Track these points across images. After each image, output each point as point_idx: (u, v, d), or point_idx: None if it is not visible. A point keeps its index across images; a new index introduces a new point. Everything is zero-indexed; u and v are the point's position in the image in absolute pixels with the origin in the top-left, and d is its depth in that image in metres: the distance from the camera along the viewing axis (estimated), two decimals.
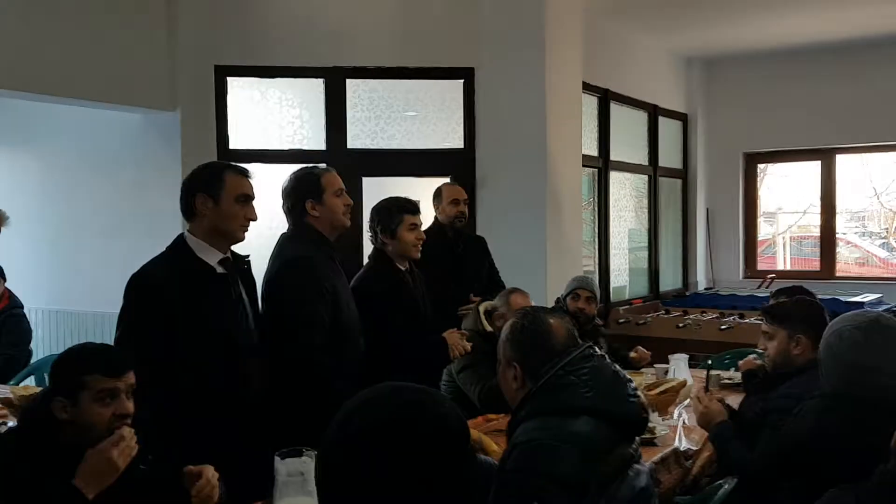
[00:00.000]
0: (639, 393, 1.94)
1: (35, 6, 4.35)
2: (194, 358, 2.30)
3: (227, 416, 2.35)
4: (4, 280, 4.93)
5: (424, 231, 4.20)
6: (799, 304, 2.81)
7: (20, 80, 4.34)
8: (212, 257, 2.39)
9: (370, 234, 3.16)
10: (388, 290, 3.02)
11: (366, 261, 3.31)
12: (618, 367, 1.98)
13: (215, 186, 2.38)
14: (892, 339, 2.09)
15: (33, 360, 5.01)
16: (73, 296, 5.52)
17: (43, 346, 5.55)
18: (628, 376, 1.97)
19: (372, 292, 2.96)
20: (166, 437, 2.14)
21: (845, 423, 2.04)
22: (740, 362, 3.71)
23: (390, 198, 3.19)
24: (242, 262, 2.52)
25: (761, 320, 5.56)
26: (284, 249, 2.67)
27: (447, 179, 5.26)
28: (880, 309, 5.96)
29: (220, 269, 2.40)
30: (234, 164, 2.54)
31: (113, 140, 5.26)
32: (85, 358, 1.96)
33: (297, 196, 2.76)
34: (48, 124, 5.56)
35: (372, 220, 3.14)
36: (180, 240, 2.43)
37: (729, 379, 3.82)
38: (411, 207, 3.13)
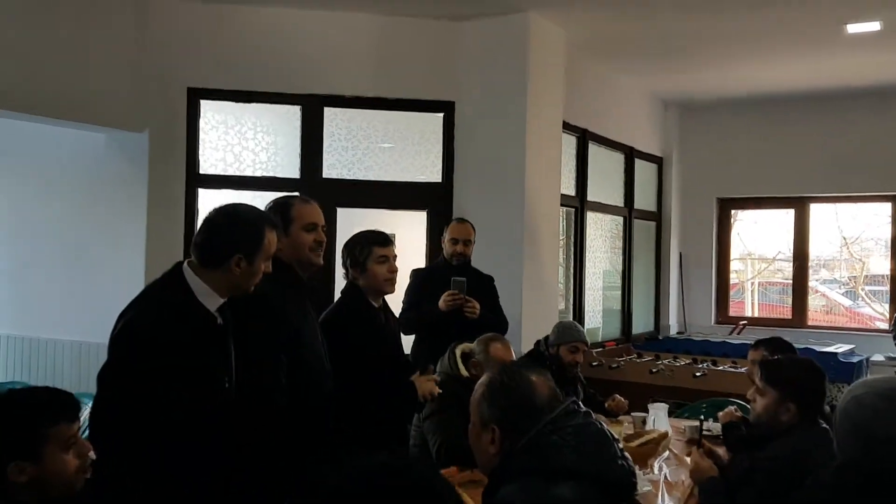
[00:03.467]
0: (626, 454, 1.80)
1: None
2: (185, 420, 2.07)
3: (208, 475, 2.15)
4: None
5: (430, 266, 4.23)
6: (797, 367, 2.69)
7: None
8: (212, 302, 2.18)
9: (343, 270, 3.02)
10: (358, 328, 2.87)
11: (338, 296, 3.17)
12: (603, 424, 1.85)
13: (254, 247, 2.20)
14: None
15: None
16: (33, 321, 5.26)
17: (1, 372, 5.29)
18: (615, 435, 1.84)
19: (341, 329, 2.81)
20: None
21: (863, 496, 1.91)
22: (720, 414, 3.61)
23: (360, 231, 3.06)
24: (234, 301, 2.33)
25: (734, 367, 5.63)
26: None
27: (424, 212, 5.19)
28: (853, 360, 5.94)
29: (219, 320, 2.21)
30: (267, 216, 2.34)
31: (75, 159, 5.06)
32: (41, 409, 1.76)
33: None
34: (7, 142, 5.35)
35: (343, 254, 3.01)
36: (180, 277, 2.18)
37: (708, 430, 3.71)
38: (380, 239, 2.98)
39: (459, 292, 3.99)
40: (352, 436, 2.64)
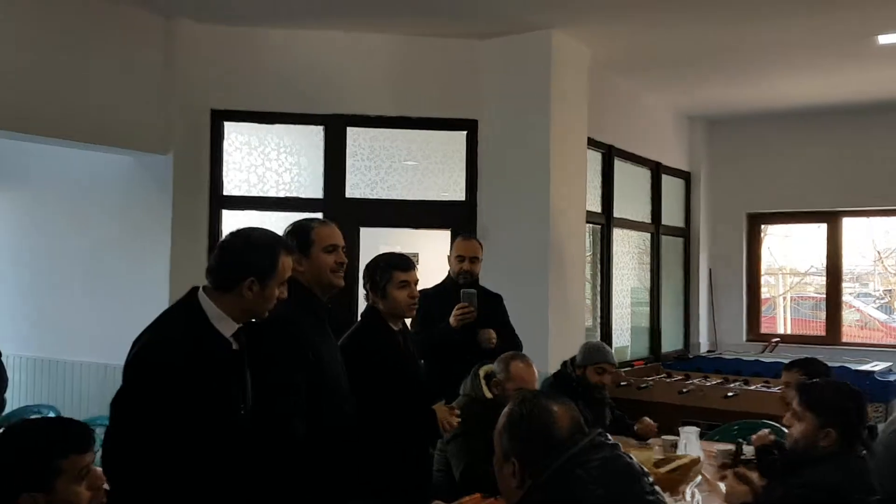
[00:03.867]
0: (657, 490, 1.71)
1: (27, 45, 4.23)
2: (199, 447, 2.05)
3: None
4: None
5: (436, 285, 4.09)
6: (837, 392, 2.57)
7: (9, 120, 4.20)
8: (226, 328, 2.15)
9: (364, 291, 2.98)
10: (378, 353, 2.82)
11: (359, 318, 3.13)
12: (633, 457, 1.76)
13: (267, 271, 2.17)
14: None
15: (8, 409, 4.78)
16: (55, 343, 5.30)
17: (19, 394, 5.31)
18: (644, 468, 1.75)
19: (361, 353, 2.76)
20: None
21: None
22: (753, 437, 3.50)
23: (382, 254, 3.01)
24: (251, 326, 2.30)
25: (767, 387, 5.49)
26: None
27: (448, 232, 5.13)
28: (891, 379, 5.77)
29: (234, 345, 2.17)
30: (282, 241, 2.31)
31: (101, 183, 5.10)
32: (54, 440, 1.74)
33: None
34: (31, 164, 5.42)
35: (363, 277, 2.96)
36: (194, 302, 2.15)
37: (742, 455, 3.60)
38: (403, 264, 2.92)
39: (470, 305, 3.78)
40: (372, 461, 2.58)
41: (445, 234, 5.20)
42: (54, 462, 1.70)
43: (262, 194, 5.08)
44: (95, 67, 4.52)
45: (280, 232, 2.63)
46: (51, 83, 4.32)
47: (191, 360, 2.04)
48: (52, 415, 4.20)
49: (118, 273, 4.98)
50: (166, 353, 2.04)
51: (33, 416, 1.90)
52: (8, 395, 4.82)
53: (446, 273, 4.16)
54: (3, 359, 4.82)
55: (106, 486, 1.81)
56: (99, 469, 1.81)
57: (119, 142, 4.67)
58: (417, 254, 5.37)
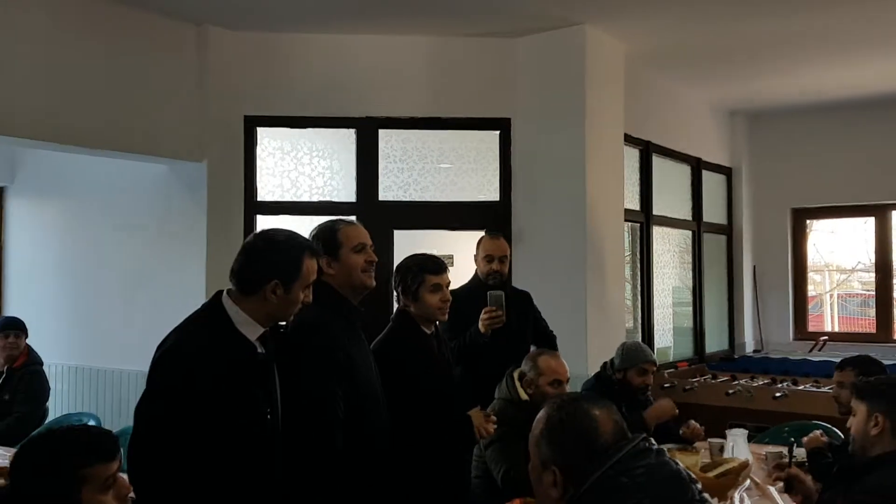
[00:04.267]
0: (706, 498, 1.61)
1: (61, 56, 4.27)
2: (225, 451, 2.01)
3: None
4: (26, 335, 4.80)
5: (464, 285, 3.97)
6: (892, 382, 2.45)
7: (46, 131, 4.25)
8: (251, 332, 2.10)
9: (393, 295, 2.91)
10: (412, 357, 2.75)
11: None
12: (679, 463, 1.66)
13: (291, 274, 2.12)
14: None
15: (50, 417, 4.84)
16: (94, 352, 5.35)
17: (62, 402, 5.37)
18: (692, 475, 1.65)
19: (393, 358, 2.69)
20: None
21: None
22: (805, 439, 3.36)
23: (413, 255, 2.93)
24: (279, 332, 2.26)
25: (817, 387, 5.30)
26: (298, 314, 2.43)
27: (482, 233, 5.03)
28: None
29: (260, 349, 2.13)
30: (307, 243, 2.26)
31: (138, 191, 5.14)
32: (79, 449, 1.69)
33: None
34: (72, 174, 5.48)
35: (394, 279, 2.89)
36: (219, 307, 2.11)
37: (794, 457, 3.46)
38: (434, 267, 2.84)
39: (498, 308, 3.57)
40: (407, 470, 2.52)
41: (480, 236, 5.12)
42: (78, 471, 1.66)
43: (295, 199, 5.06)
44: (129, 77, 4.54)
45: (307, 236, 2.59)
46: (85, 94, 4.35)
47: (214, 365, 1.99)
48: (92, 423, 4.21)
49: (156, 281, 5.01)
50: (189, 357, 2.00)
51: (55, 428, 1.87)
52: (50, 403, 4.88)
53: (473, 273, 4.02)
54: (45, 368, 4.88)
55: (132, 495, 1.77)
56: (125, 477, 1.77)
57: (153, 150, 4.69)
58: (452, 256, 5.30)
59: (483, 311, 3.56)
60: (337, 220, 2.59)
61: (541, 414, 1.68)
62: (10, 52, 4.06)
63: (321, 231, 2.55)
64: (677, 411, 3.71)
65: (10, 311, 5.60)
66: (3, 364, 4.67)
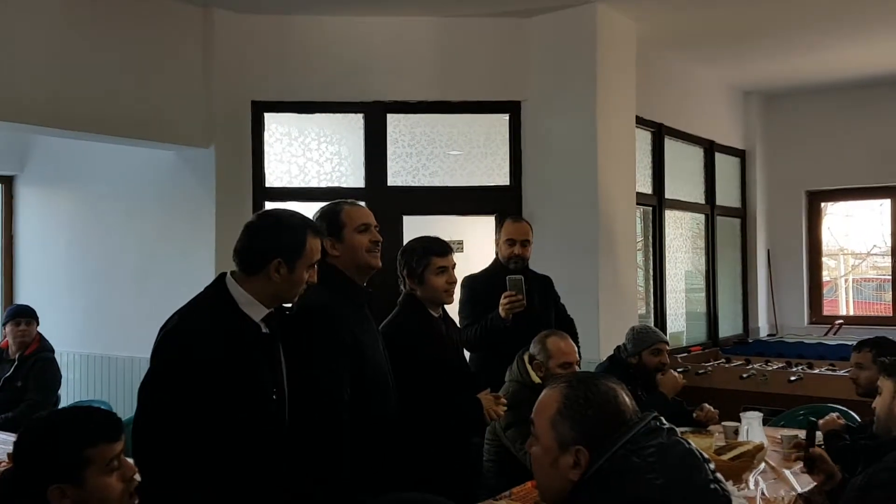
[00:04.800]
0: (720, 477, 1.56)
1: (69, 42, 4.24)
2: (230, 432, 1.99)
3: (255, 491, 2.05)
4: (38, 323, 4.80)
5: (484, 270, 3.96)
6: None
7: (54, 117, 4.23)
8: (255, 312, 2.09)
9: (399, 278, 2.87)
10: (419, 341, 2.72)
11: None
12: (691, 442, 1.61)
13: (295, 252, 2.10)
14: None
15: (61, 405, 4.84)
16: (105, 339, 5.35)
17: (74, 390, 5.38)
18: (705, 455, 1.60)
19: (400, 342, 2.66)
20: None
21: None
22: (821, 422, 3.30)
23: (417, 238, 2.90)
24: (283, 314, 2.23)
25: (833, 370, 5.24)
26: (305, 295, 2.40)
27: (492, 218, 5.00)
28: None
29: (264, 329, 2.11)
30: (311, 223, 2.23)
31: (146, 178, 5.11)
32: (82, 429, 1.68)
33: None
34: (80, 162, 5.46)
35: (398, 263, 2.85)
36: (222, 287, 2.09)
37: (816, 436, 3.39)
38: (439, 249, 2.80)
39: (518, 292, 3.55)
40: (414, 452, 2.49)
41: (490, 221, 5.08)
42: (82, 451, 1.64)
43: (303, 185, 5.02)
44: (135, 63, 4.51)
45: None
46: (92, 80, 4.32)
47: (218, 345, 1.97)
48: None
49: (166, 268, 4.99)
50: (193, 337, 1.98)
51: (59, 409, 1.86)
52: (61, 391, 4.89)
53: (493, 257, 4.00)
54: (57, 355, 4.88)
55: (137, 477, 1.75)
56: (131, 460, 1.75)
57: (160, 137, 4.66)
58: (462, 241, 5.26)
59: (503, 296, 3.55)
60: (339, 202, 2.57)
61: (551, 394, 1.60)
62: (18, 39, 4.03)
63: (324, 213, 2.52)
64: (684, 380, 3.71)
65: (22, 299, 5.61)
66: (15, 351, 4.67)
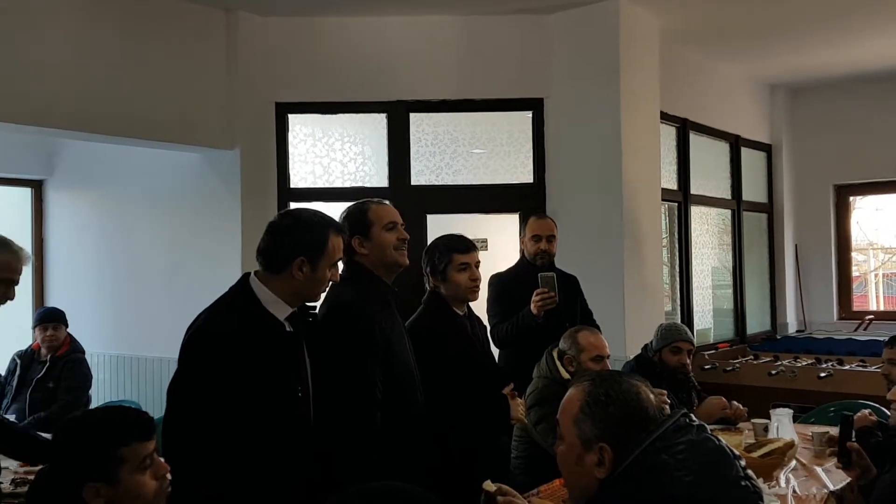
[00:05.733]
0: (750, 474, 1.54)
1: (94, 47, 4.30)
2: (256, 429, 2.01)
3: (282, 489, 2.07)
4: (67, 326, 4.86)
5: (511, 268, 3.98)
6: None
7: (82, 121, 4.29)
8: (280, 311, 2.11)
9: (424, 276, 2.88)
10: (445, 339, 2.73)
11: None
12: (721, 439, 1.60)
13: (317, 251, 2.12)
14: None
15: (92, 406, 4.90)
16: (134, 340, 5.41)
17: (104, 391, 5.45)
18: (735, 451, 1.59)
19: (426, 340, 2.66)
20: None
21: None
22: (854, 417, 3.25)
23: (441, 236, 2.92)
24: (308, 315, 2.25)
25: (863, 366, 5.16)
26: (333, 293, 2.41)
27: (516, 216, 5.00)
28: None
29: (288, 328, 2.13)
30: (333, 221, 2.24)
31: (172, 181, 5.16)
32: (115, 429, 1.70)
33: None
34: (108, 166, 5.53)
35: (423, 261, 2.86)
36: (246, 287, 2.12)
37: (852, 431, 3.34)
38: (461, 246, 2.82)
39: (550, 290, 3.59)
40: (442, 448, 2.49)
41: (514, 219, 5.07)
42: (116, 450, 1.66)
43: (327, 185, 5.05)
44: (159, 66, 4.56)
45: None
46: (117, 84, 4.37)
47: (243, 343, 1.99)
48: None
49: (193, 269, 5.04)
50: (218, 336, 2.00)
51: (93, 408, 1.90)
52: (92, 392, 4.95)
53: (518, 256, 4.01)
54: (87, 357, 4.94)
55: (170, 476, 1.78)
56: (163, 460, 1.77)
57: (186, 139, 4.71)
58: (486, 240, 5.25)
59: (535, 293, 3.59)
60: (366, 201, 2.59)
61: (574, 392, 1.61)
62: (46, 45, 4.09)
63: (351, 212, 2.54)
64: (729, 412, 3.62)
65: (52, 301, 5.69)
66: (46, 353, 4.74)
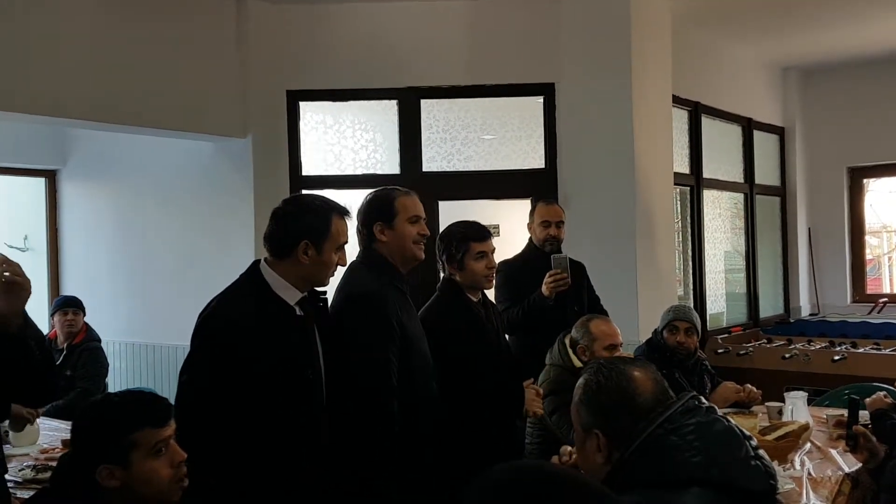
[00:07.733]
0: (762, 454, 1.55)
1: (106, 38, 4.31)
2: (267, 412, 2.05)
3: (294, 474, 2.09)
4: (84, 313, 4.90)
5: (519, 255, 3.97)
6: None
7: (94, 111, 4.31)
8: (290, 296, 2.15)
9: (438, 263, 2.88)
10: (459, 326, 2.73)
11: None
12: (731, 420, 1.61)
13: (321, 233, 2.16)
14: None
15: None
16: (149, 328, 5.45)
17: (120, 379, 5.50)
18: (745, 432, 1.60)
19: (440, 327, 2.66)
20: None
21: None
22: (867, 400, 3.25)
23: (456, 223, 2.90)
24: (319, 300, 2.28)
25: (878, 349, 5.15)
26: (351, 280, 2.42)
27: (527, 202, 4.98)
28: None
29: (299, 312, 2.17)
30: (336, 205, 2.27)
31: (184, 169, 5.19)
32: (128, 414, 1.72)
33: (366, 217, 2.51)
34: (121, 155, 5.55)
35: (438, 248, 2.85)
36: (256, 273, 2.17)
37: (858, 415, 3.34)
38: (478, 234, 2.80)
39: (563, 271, 3.58)
40: (457, 436, 2.51)
41: (525, 205, 5.06)
42: (128, 435, 1.69)
43: (339, 173, 5.06)
44: (171, 55, 4.57)
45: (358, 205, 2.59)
46: (129, 73, 4.38)
47: (254, 328, 2.04)
48: None
49: (207, 258, 5.06)
50: (229, 321, 2.05)
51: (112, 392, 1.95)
52: (108, 380, 5.00)
53: (526, 242, 4.00)
54: (103, 345, 4.99)
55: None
56: (178, 447, 1.79)
57: (198, 128, 4.72)
58: (498, 225, 5.26)
59: (548, 275, 3.59)
60: (393, 189, 2.58)
61: (580, 380, 1.66)
62: (58, 35, 4.10)
63: (378, 196, 2.54)
64: (743, 395, 3.61)
65: (67, 290, 5.73)
66: (63, 341, 4.79)
